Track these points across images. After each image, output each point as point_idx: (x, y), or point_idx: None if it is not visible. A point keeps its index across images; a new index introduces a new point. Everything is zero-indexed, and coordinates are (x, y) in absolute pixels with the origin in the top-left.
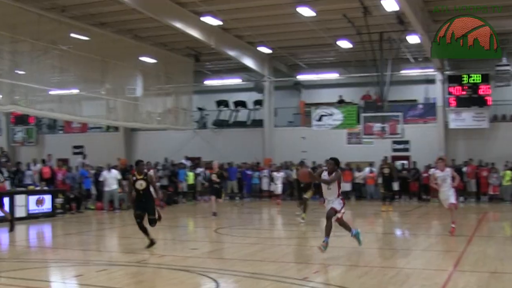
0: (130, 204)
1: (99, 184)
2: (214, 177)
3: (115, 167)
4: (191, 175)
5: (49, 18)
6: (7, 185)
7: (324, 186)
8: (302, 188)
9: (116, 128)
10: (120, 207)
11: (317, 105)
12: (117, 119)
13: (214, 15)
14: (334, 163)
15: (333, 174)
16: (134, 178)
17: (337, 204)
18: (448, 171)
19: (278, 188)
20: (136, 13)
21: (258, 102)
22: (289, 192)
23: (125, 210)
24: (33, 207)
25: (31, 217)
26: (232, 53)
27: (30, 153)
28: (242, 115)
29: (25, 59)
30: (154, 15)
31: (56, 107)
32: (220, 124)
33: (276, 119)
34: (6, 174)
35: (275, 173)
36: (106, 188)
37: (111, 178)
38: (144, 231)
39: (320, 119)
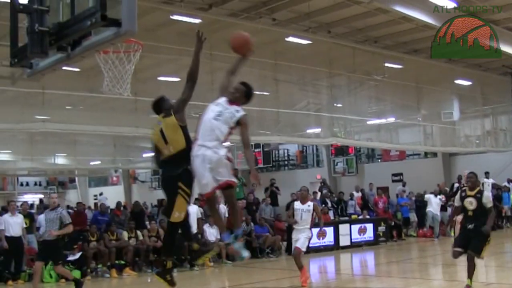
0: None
1: (420, 211)
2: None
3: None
4: None
5: (363, 50)
6: (331, 215)
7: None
8: None
9: (434, 154)
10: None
11: None
12: (435, 144)
13: None
14: None
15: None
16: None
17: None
18: None
19: None
20: None
21: None
22: None
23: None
24: (355, 236)
25: (354, 246)
26: None
27: (350, 182)
28: None
29: (342, 91)
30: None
31: (374, 136)
32: None
33: None
34: (329, 204)
35: None
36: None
37: (434, 204)
38: None
39: None
